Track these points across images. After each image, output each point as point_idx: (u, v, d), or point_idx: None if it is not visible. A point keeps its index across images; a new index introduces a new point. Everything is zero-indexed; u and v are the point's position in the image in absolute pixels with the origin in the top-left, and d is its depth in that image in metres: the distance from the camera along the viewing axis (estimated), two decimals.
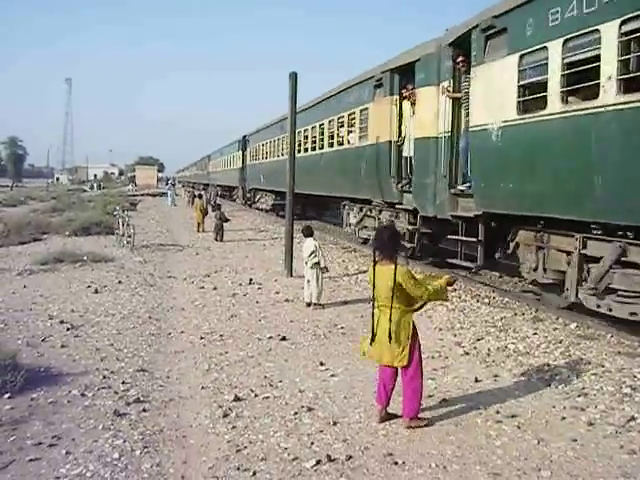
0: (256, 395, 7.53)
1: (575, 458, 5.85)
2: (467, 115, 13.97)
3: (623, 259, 9.77)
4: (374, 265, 6.64)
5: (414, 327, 6.61)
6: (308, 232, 13.18)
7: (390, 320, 6.42)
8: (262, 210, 43.54)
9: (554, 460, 5.80)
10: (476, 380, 8.07)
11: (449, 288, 7.13)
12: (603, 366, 8.55)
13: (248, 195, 49.78)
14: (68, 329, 10.41)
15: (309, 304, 12.61)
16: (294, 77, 17.06)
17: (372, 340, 6.63)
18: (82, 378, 8.04)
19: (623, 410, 7.00)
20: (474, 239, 13.75)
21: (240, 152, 51.14)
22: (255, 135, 46.10)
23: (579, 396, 7.46)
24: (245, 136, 49.91)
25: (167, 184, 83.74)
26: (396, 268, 6.38)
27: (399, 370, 6.63)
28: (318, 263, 12.61)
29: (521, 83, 11.46)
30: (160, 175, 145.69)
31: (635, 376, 8.11)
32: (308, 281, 12.71)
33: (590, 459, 5.83)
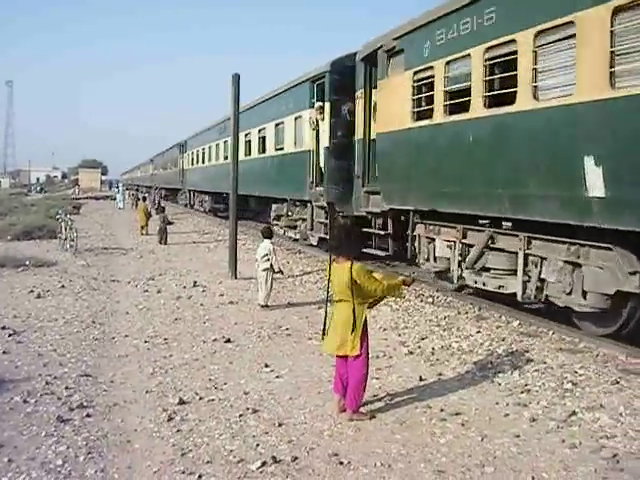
0: (201, 398, 7.44)
1: (518, 453, 5.91)
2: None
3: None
4: (330, 263, 6.88)
5: (365, 321, 6.84)
6: (267, 234, 13.03)
7: (345, 313, 6.70)
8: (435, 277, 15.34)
9: (498, 456, 5.86)
10: (420, 379, 8.11)
11: (406, 287, 7.34)
12: (545, 362, 8.68)
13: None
14: (10, 335, 10.15)
15: (262, 305, 12.55)
16: (237, 79, 16.95)
17: (324, 333, 7.00)
18: (24, 384, 7.84)
19: (564, 405, 7.12)
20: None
21: (304, 113, 20.97)
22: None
23: (522, 392, 7.56)
24: (330, 71, 19.01)
25: (110, 187, 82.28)
26: (352, 265, 6.63)
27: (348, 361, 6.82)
28: (271, 266, 12.54)
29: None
30: (104, 178, 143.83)
31: (576, 372, 8.26)
32: (260, 283, 12.65)
33: (533, 454, 5.89)
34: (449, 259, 13.43)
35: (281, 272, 13.08)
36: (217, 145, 38.46)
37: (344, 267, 6.68)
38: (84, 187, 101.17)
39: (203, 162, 43.94)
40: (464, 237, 12.83)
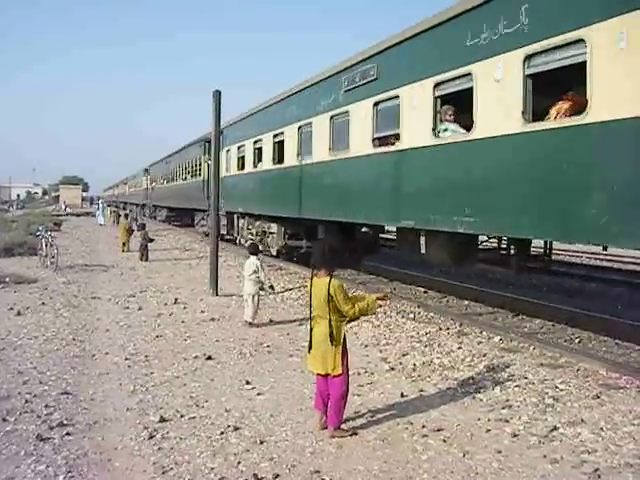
0: (182, 415, 7.38)
1: (500, 469, 5.90)
2: None
3: None
4: (312, 278, 6.89)
5: (344, 338, 6.81)
6: (253, 250, 13.02)
7: (324, 330, 6.64)
8: None
9: (479, 472, 5.84)
10: (402, 395, 8.09)
11: (381, 303, 7.37)
12: (526, 378, 8.70)
13: None
14: None
15: (250, 323, 12.46)
16: (217, 95, 16.89)
17: (309, 349, 6.88)
18: (4, 403, 7.74)
19: (546, 420, 7.13)
20: None
21: None
22: None
23: (503, 408, 7.56)
24: None
25: (91, 204, 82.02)
26: (330, 280, 6.63)
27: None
28: (260, 282, 12.50)
29: None
30: (84, 195, 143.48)
31: (557, 387, 8.29)
32: (246, 300, 12.59)
33: (515, 470, 5.89)
34: None
35: (272, 288, 13.02)
36: (318, 123, 18.12)
37: (323, 282, 6.68)
38: (68, 203, 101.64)
39: (274, 162, 22.63)
40: None
